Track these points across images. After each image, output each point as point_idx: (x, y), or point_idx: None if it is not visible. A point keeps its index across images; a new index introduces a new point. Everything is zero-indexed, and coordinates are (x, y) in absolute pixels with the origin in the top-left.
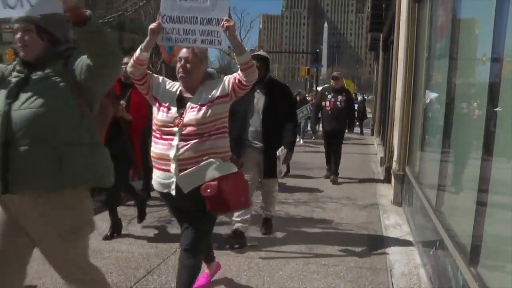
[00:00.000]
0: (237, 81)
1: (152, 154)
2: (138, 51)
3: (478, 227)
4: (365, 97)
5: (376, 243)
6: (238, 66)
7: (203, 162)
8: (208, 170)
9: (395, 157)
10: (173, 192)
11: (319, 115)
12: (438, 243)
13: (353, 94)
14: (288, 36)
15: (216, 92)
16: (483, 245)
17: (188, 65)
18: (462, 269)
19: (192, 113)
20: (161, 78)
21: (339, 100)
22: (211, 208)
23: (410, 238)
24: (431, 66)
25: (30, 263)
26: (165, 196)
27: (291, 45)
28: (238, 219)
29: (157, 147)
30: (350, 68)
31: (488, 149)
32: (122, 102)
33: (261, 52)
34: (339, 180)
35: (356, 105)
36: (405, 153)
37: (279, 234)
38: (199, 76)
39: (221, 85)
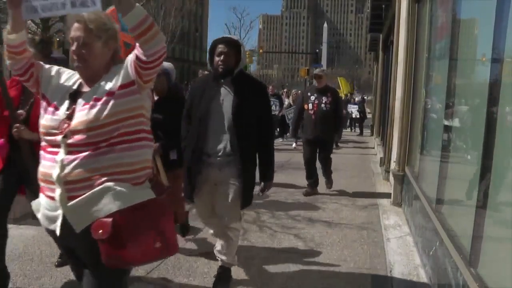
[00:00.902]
0: (136, 58)
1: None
2: (4, 34)
3: (478, 227)
4: (365, 97)
5: (375, 244)
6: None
7: (98, 188)
8: (103, 200)
9: (394, 158)
10: (58, 230)
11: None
12: (437, 243)
13: (349, 95)
14: (288, 36)
15: (118, 80)
16: (482, 246)
17: (83, 50)
18: (461, 269)
19: (81, 113)
20: (56, 68)
21: (323, 102)
22: (106, 259)
23: (410, 239)
24: (431, 66)
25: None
26: (53, 234)
27: (291, 45)
28: (220, 249)
29: (42, 164)
30: (350, 68)
31: (488, 149)
32: (21, 112)
33: (232, 36)
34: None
35: (356, 106)
36: (404, 153)
37: (279, 235)
38: (101, 60)
39: (123, 69)
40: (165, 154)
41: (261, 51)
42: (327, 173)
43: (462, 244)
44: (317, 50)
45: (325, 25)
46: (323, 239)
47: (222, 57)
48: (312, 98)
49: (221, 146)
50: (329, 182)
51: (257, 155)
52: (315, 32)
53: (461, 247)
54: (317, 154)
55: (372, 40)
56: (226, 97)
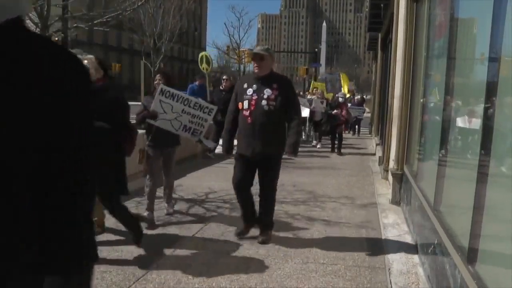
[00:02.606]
0: None
1: None
2: None
3: (476, 226)
4: (364, 96)
5: (374, 242)
6: None
7: None
8: None
9: (393, 156)
10: None
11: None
12: (436, 242)
13: (350, 95)
14: (287, 35)
15: None
16: (481, 244)
17: None
18: (460, 267)
19: None
20: None
21: (266, 97)
22: None
23: (409, 237)
24: (429, 65)
25: None
26: None
27: (290, 44)
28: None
29: None
30: (349, 67)
31: (486, 148)
32: None
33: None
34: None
35: (361, 109)
36: (403, 152)
37: (278, 233)
38: None
39: None
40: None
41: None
42: (267, 213)
43: (460, 242)
44: (316, 49)
45: (324, 24)
46: (322, 237)
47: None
48: (249, 91)
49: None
50: (265, 235)
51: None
52: (314, 31)
53: (459, 245)
54: (261, 179)
55: (371, 39)
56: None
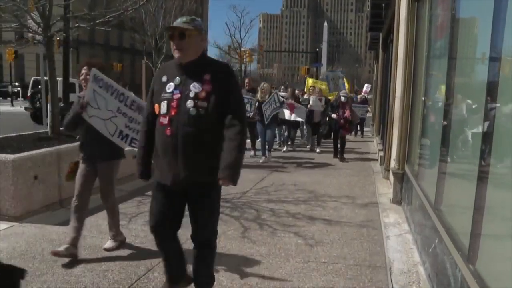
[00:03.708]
0: None
1: None
2: None
3: (477, 225)
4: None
5: (375, 241)
6: None
7: None
8: None
9: (394, 156)
10: None
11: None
12: (437, 241)
13: (345, 92)
14: (288, 35)
15: None
16: (481, 243)
17: None
18: (460, 266)
19: None
20: None
21: (193, 94)
22: None
23: (409, 236)
24: (431, 65)
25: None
26: None
27: (291, 44)
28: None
29: None
30: (350, 67)
31: (486, 147)
32: None
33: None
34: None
35: (365, 107)
36: (404, 151)
37: (279, 232)
38: None
39: None
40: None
41: (261, 50)
42: (204, 271)
43: (461, 242)
44: (317, 49)
45: (325, 24)
46: (323, 237)
47: None
48: (169, 88)
49: None
50: None
51: None
52: (315, 31)
53: (460, 244)
54: (193, 220)
55: (372, 39)
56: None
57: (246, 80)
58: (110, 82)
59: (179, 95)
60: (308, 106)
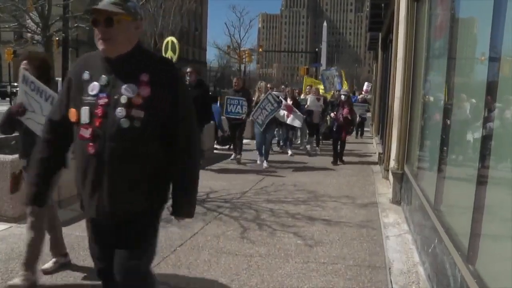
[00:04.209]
0: None
1: None
2: None
3: (476, 225)
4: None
5: (375, 241)
6: None
7: None
8: None
9: (393, 156)
10: None
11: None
12: (436, 241)
13: (346, 90)
14: (287, 35)
15: None
16: (481, 243)
17: None
18: (460, 266)
19: None
20: None
21: (125, 100)
22: None
23: (409, 236)
24: (430, 65)
25: None
26: None
27: (290, 44)
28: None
29: None
30: (350, 67)
31: (486, 147)
32: None
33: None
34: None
35: (364, 106)
36: (403, 152)
37: (279, 233)
38: None
39: None
40: None
41: (260, 50)
42: None
43: (460, 242)
44: (317, 49)
45: (325, 24)
46: (322, 237)
47: None
48: (92, 89)
49: None
50: None
51: None
52: (314, 31)
53: (459, 244)
54: (119, 260)
55: (372, 39)
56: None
57: (234, 80)
58: (41, 87)
59: (106, 100)
60: (306, 106)
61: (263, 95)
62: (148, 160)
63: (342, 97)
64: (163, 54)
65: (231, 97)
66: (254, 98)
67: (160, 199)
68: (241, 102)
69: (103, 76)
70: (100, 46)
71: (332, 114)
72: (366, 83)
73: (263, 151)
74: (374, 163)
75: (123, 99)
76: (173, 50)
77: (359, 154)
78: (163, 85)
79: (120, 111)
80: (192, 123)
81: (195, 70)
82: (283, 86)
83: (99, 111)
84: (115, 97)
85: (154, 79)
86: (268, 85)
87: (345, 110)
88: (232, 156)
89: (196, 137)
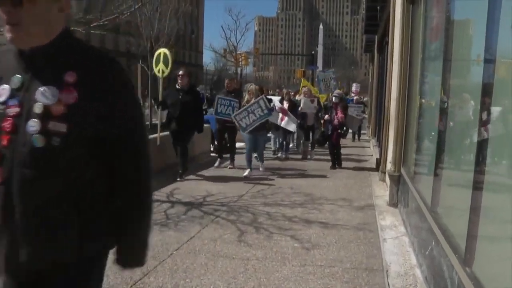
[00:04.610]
0: None
1: None
2: None
3: (473, 227)
4: (362, 98)
5: (372, 244)
6: None
7: None
8: None
9: (390, 158)
10: None
11: None
12: (433, 243)
13: (339, 92)
14: (284, 38)
15: None
16: (478, 245)
17: None
18: (457, 269)
19: None
20: None
21: (40, 109)
22: None
23: (406, 239)
24: (426, 67)
25: None
26: None
27: (287, 47)
28: None
29: None
30: (346, 69)
31: (482, 149)
32: None
33: None
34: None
35: (360, 106)
36: (400, 154)
37: (276, 236)
38: None
39: None
40: None
41: (257, 53)
42: None
43: (457, 244)
44: (313, 52)
45: (321, 26)
46: (319, 240)
47: None
48: (0, 95)
49: None
50: None
51: None
52: (310, 33)
53: (456, 246)
54: None
55: (368, 41)
56: None
57: (226, 81)
58: None
59: (18, 110)
60: (299, 109)
61: (253, 99)
62: (76, 191)
63: (334, 99)
64: (154, 68)
65: (223, 97)
66: (243, 101)
67: (98, 243)
68: (233, 103)
69: (16, 76)
70: (7, 33)
71: (326, 116)
72: (354, 84)
73: (252, 159)
74: (371, 167)
75: (38, 108)
76: (165, 63)
77: (355, 156)
78: (98, 88)
79: (32, 125)
80: (141, 142)
81: (187, 73)
82: (278, 90)
83: (7, 124)
84: (30, 104)
85: (84, 80)
86: (264, 88)
87: (339, 113)
88: (229, 165)
89: (147, 160)
